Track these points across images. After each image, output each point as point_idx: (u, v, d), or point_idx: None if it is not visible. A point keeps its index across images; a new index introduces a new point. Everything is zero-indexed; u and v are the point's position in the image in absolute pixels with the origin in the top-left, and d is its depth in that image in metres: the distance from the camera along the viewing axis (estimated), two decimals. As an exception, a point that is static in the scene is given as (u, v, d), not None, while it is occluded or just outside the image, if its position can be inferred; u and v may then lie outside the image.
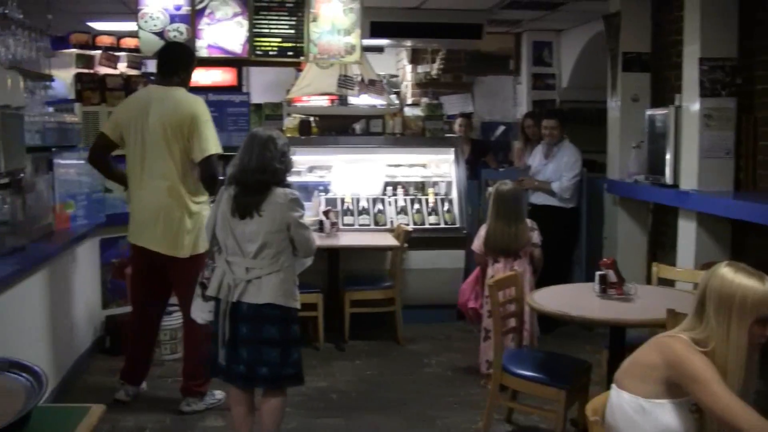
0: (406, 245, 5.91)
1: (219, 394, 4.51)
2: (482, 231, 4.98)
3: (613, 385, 2.37)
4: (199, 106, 4.26)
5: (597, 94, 8.05)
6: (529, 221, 4.91)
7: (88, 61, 5.83)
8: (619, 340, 3.95)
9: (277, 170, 3.49)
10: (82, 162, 5.04)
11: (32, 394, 1.69)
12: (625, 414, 2.31)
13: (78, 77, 5.68)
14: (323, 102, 6.83)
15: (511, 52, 8.95)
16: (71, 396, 4.58)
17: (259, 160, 3.47)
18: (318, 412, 4.49)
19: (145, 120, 4.21)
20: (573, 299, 4.11)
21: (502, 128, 9.06)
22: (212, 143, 4.20)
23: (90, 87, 5.65)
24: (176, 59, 4.39)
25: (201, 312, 3.69)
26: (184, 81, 4.38)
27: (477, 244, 5.00)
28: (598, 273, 4.04)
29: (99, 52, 5.89)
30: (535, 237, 4.90)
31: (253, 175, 3.47)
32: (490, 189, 5.23)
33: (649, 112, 5.95)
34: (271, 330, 3.48)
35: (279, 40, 5.89)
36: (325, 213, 5.98)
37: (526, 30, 8.56)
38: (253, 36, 5.84)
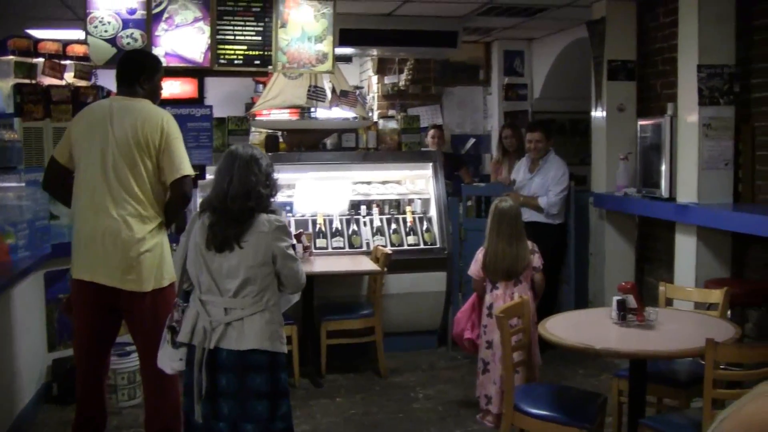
0: (386, 269, 5.44)
1: None
2: (479, 254, 4.53)
3: None
4: (170, 120, 3.72)
5: (571, 105, 7.88)
6: (529, 243, 4.49)
7: (29, 70, 5.17)
8: (641, 371, 3.63)
9: (262, 195, 3.01)
10: (23, 185, 4.49)
11: None
12: None
13: (17, 88, 5.02)
14: (286, 115, 6.31)
15: (481, 62, 8.60)
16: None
17: (243, 184, 2.99)
18: (303, 463, 3.99)
19: (106, 134, 3.61)
20: (589, 328, 3.78)
21: (472, 141, 8.70)
22: (186, 163, 3.67)
23: (32, 99, 5.00)
24: (138, 68, 3.78)
25: (170, 361, 3.15)
26: (150, 94, 3.81)
27: (474, 268, 4.55)
28: (615, 298, 3.69)
29: (42, 60, 5.24)
30: (536, 260, 4.49)
31: (235, 201, 2.97)
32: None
33: (640, 122, 5.68)
34: (256, 380, 2.98)
35: (244, 47, 5.32)
36: (297, 236, 5.46)
37: (496, 39, 8.22)
38: (215, 43, 5.24)
